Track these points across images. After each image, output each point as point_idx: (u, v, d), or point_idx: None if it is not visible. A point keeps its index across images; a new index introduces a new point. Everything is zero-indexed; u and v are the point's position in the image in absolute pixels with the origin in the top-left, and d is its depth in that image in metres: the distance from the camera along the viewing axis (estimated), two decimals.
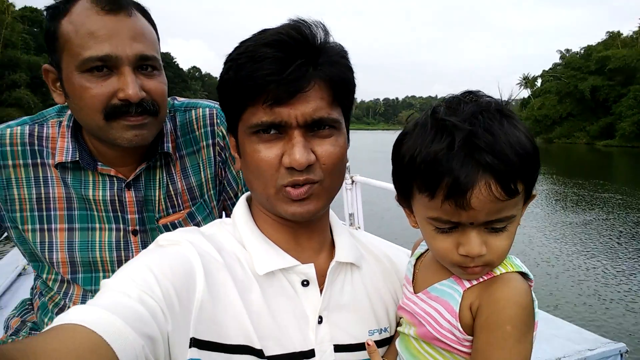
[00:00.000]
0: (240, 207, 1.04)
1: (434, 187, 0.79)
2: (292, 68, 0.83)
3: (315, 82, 0.86)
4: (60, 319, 0.69)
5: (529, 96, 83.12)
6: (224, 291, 0.87)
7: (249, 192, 1.04)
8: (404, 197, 0.90)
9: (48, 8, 1.23)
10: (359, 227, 4.11)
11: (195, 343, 0.81)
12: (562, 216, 15.39)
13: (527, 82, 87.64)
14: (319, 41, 0.89)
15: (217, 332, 0.84)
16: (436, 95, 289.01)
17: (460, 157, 0.77)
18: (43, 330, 0.68)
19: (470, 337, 0.85)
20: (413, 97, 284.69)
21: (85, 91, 1.19)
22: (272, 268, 0.93)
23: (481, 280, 0.86)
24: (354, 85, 0.95)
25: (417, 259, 1.02)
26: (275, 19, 0.94)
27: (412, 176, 0.83)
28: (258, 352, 0.86)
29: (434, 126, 0.81)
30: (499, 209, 0.79)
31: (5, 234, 1.41)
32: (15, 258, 4.23)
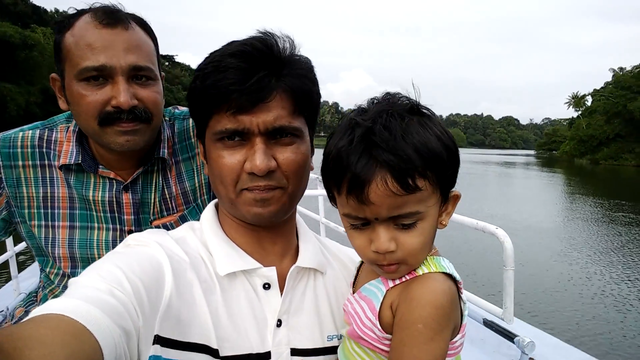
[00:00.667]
0: (208, 211, 1.06)
1: (339, 182, 0.83)
2: (254, 79, 0.86)
3: (277, 92, 0.89)
4: (40, 310, 0.70)
5: (578, 115, 79.26)
6: (189, 291, 0.88)
7: (217, 199, 1.06)
8: (330, 196, 0.91)
9: (56, 23, 1.32)
10: None
11: (158, 340, 0.82)
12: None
13: (576, 101, 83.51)
14: (284, 54, 0.91)
15: (179, 330, 0.85)
16: (482, 114, 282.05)
17: (357, 153, 0.80)
18: (24, 319, 0.69)
19: (389, 336, 0.85)
20: (458, 114, 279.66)
21: (82, 98, 1.26)
22: (233, 269, 0.95)
23: (404, 279, 0.86)
24: (318, 97, 0.98)
25: (362, 262, 1.02)
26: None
27: (327, 174, 0.86)
28: (214, 352, 0.87)
29: (345, 125, 0.85)
30: (400, 204, 0.80)
31: (16, 229, 1.49)
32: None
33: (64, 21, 1.30)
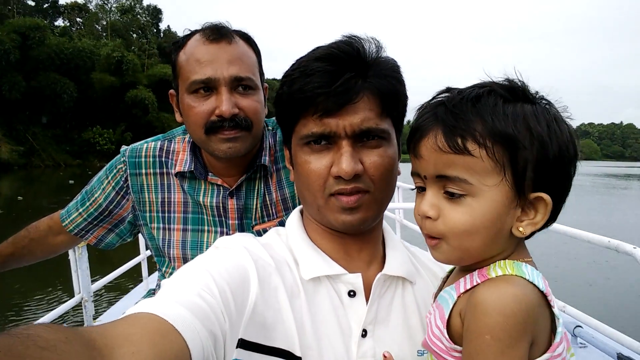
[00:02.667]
0: (293, 217, 1.01)
1: (410, 139, 0.80)
2: (341, 80, 0.81)
3: (364, 93, 0.83)
4: (133, 309, 0.69)
5: None
6: (275, 295, 0.84)
7: (302, 206, 1.01)
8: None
9: (173, 43, 1.39)
10: None
11: (242, 344, 0.78)
12: None
13: None
14: (370, 56, 0.86)
15: (264, 335, 0.81)
16: (621, 122, 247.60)
17: (426, 111, 0.77)
18: (119, 317, 0.69)
19: (459, 347, 0.73)
20: (591, 124, 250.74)
21: (191, 109, 1.31)
22: (318, 274, 0.89)
23: (475, 284, 0.74)
24: (405, 98, 0.91)
25: (450, 272, 0.90)
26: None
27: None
28: (297, 359, 0.82)
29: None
30: (446, 163, 0.73)
31: (140, 231, 1.57)
32: None
33: (179, 41, 1.36)
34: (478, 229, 0.72)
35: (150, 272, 4.14)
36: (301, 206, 1.02)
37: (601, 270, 9.45)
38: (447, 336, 0.74)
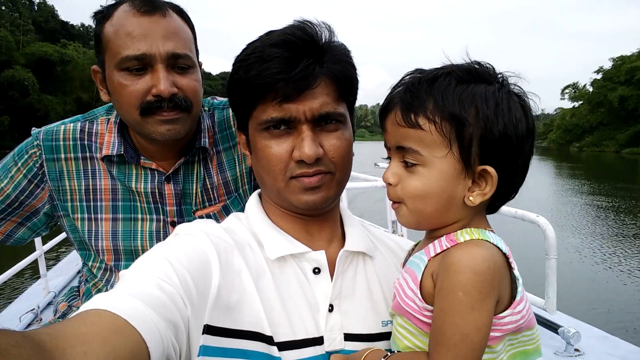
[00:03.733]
0: (252, 201, 0.99)
1: None
2: (300, 67, 0.80)
3: (322, 79, 0.84)
4: (85, 306, 0.66)
5: (578, 105, 77.44)
6: (239, 278, 0.83)
7: (259, 189, 1.00)
8: None
9: (95, 13, 1.22)
10: (402, 235, 3.75)
11: (208, 330, 0.76)
12: None
13: (577, 91, 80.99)
14: (324, 40, 0.86)
15: (231, 319, 0.79)
16: None
17: (391, 92, 0.84)
18: (70, 316, 0.65)
19: (430, 307, 0.77)
20: None
21: (123, 88, 1.16)
22: (283, 253, 0.88)
23: (445, 248, 0.78)
24: (357, 82, 0.91)
25: (416, 244, 0.94)
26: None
27: None
28: (268, 339, 0.81)
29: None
30: (402, 135, 0.79)
31: (59, 223, 1.39)
32: (75, 257, 4.28)
33: (102, 12, 1.19)
34: (429, 194, 0.78)
35: (48, 268, 3.75)
36: (259, 190, 1.01)
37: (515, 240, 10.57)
38: (420, 296, 0.77)
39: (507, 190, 0.81)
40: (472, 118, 0.75)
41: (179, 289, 0.72)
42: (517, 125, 0.76)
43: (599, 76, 67.32)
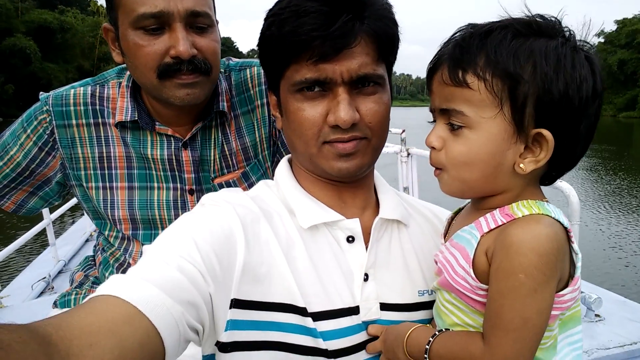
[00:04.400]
0: (282, 167, 0.92)
1: None
2: (338, 23, 0.72)
3: (361, 37, 0.75)
4: (98, 290, 0.64)
5: None
6: (267, 249, 0.78)
7: (289, 155, 0.94)
8: None
9: None
10: None
11: (236, 304, 0.73)
12: None
13: None
14: None
15: (260, 291, 0.76)
16: None
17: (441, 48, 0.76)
18: (85, 297, 0.61)
19: (484, 286, 0.70)
20: None
21: (139, 49, 1.06)
22: (316, 221, 0.83)
23: (500, 223, 0.70)
24: (398, 41, 0.83)
25: (456, 213, 0.87)
26: None
27: None
28: (301, 310, 0.76)
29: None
30: (447, 96, 0.71)
31: (72, 191, 1.32)
32: (83, 225, 4.27)
33: None
34: (474, 160, 0.70)
35: (57, 236, 3.72)
36: (288, 155, 0.95)
37: None
38: (473, 275, 0.71)
39: (565, 159, 0.71)
40: (529, 75, 0.65)
41: (201, 266, 0.69)
42: (580, 85, 0.66)
43: (602, 39, 66.13)
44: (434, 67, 0.74)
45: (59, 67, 50.17)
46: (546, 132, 0.66)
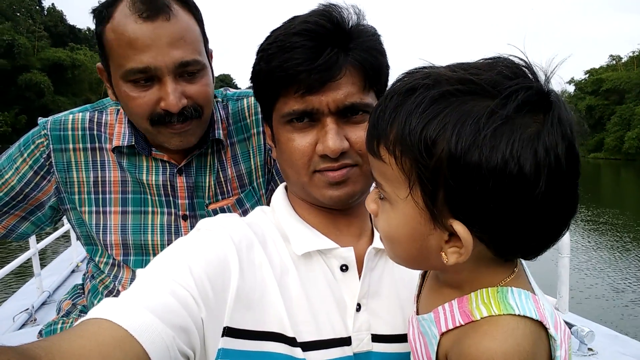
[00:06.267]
0: (279, 194, 0.91)
1: None
2: (323, 57, 0.73)
3: (347, 68, 0.76)
4: (90, 314, 0.62)
5: None
6: (260, 277, 0.76)
7: (285, 182, 0.92)
8: None
9: (93, 11, 1.08)
10: None
11: (229, 332, 0.71)
12: None
13: None
14: (350, 25, 0.78)
15: (253, 319, 0.73)
16: None
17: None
18: (72, 326, 0.60)
19: None
20: None
21: (131, 100, 1.06)
22: (310, 248, 0.81)
23: (457, 324, 0.58)
24: (387, 69, 0.82)
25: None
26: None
27: None
28: (291, 340, 0.73)
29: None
30: (372, 164, 0.63)
31: (65, 216, 1.28)
32: (70, 256, 4.14)
33: (101, 11, 1.05)
34: (395, 238, 0.61)
35: (42, 267, 3.59)
36: (284, 184, 0.94)
37: None
38: None
39: (518, 246, 0.57)
40: (437, 155, 0.52)
41: (194, 291, 0.67)
42: (503, 166, 0.49)
43: (572, 87, 71.72)
44: (367, 131, 0.63)
45: (69, 100, 53.87)
46: (458, 226, 0.53)
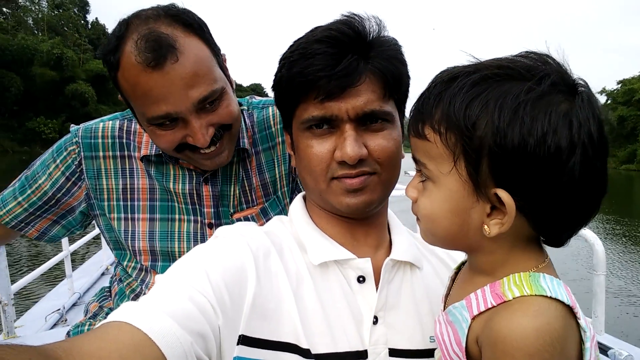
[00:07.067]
0: (297, 203, 0.91)
1: None
2: (343, 63, 0.73)
3: (367, 75, 0.76)
4: (110, 316, 0.63)
5: None
6: (277, 286, 0.75)
7: (304, 192, 0.92)
8: None
9: (104, 55, 1.03)
10: None
11: (244, 340, 0.70)
12: None
13: None
14: (371, 35, 0.78)
15: (268, 329, 0.72)
16: None
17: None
18: (93, 328, 0.61)
19: None
20: None
21: (158, 138, 1.05)
22: (326, 258, 0.80)
23: (490, 306, 0.60)
24: (407, 78, 0.83)
25: (459, 268, 0.77)
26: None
27: None
28: (305, 352, 0.72)
29: None
30: (415, 146, 0.68)
31: (94, 222, 1.30)
32: (100, 259, 4.19)
33: (109, 59, 1.01)
34: (438, 216, 0.64)
35: (74, 269, 3.67)
36: (303, 192, 0.93)
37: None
38: None
39: (555, 219, 0.59)
40: (481, 128, 0.57)
41: (212, 298, 0.67)
42: (543, 137, 0.54)
43: (604, 98, 71.00)
44: (409, 117, 0.69)
45: (110, 108, 57.38)
46: (502, 193, 0.56)
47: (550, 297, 0.56)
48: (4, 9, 73.23)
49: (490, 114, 0.56)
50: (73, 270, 3.55)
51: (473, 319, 0.62)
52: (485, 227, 0.61)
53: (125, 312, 0.62)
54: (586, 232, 1.97)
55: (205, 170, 1.19)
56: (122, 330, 0.60)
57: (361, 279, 0.81)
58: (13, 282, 2.60)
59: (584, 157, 0.55)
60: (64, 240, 3.38)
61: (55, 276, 6.04)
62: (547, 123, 0.55)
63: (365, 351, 0.77)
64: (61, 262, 3.39)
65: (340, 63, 0.74)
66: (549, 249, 0.67)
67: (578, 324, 0.58)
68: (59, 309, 2.87)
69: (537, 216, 0.59)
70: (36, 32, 68.62)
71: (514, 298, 0.58)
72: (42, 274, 3.19)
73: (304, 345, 0.73)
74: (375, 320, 0.79)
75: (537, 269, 0.62)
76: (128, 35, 0.98)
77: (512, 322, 0.56)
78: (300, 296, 0.76)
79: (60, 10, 74.05)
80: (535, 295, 0.57)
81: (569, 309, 0.57)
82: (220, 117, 1.06)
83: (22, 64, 51.41)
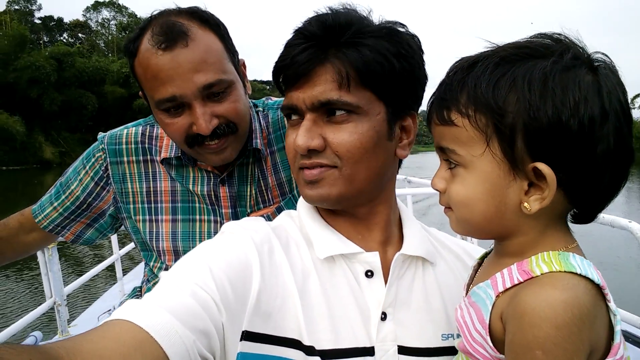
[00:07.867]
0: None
1: None
2: (305, 52, 0.72)
3: (326, 65, 0.72)
4: (114, 314, 0.63)
5: None
6: (282, 281, 0.74)
7: None
8: None
9: (125, 47, 1.12)
10: (473, 242, 3.21)
11: (247, 336, 0.69)
12: None
13: None
14: (348, 26, 0.74)
15: (272, 325, 0.71)
16: None
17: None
18: (95, 326, 0.61)
19: (504, 357, 0.58)
20: None
21: (166, 126, 1.09)
22: (332, 252, 0.78)
23: (516, 282, 0.59)
24: (390, 68, 0.74)
25: (482, 258, 0.75)
26: None
27: None
28: (308, 349, 0.71)
29: None
30: (440, 135, 0.68)
31: (122, 224, 1.35)
32: None
33: (129, 47, 1.08)
34: (473, 200, 0.63)
35: (125, 272, 3.81)
36: None
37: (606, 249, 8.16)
38: (491, 344, 0.60)
39: (589, 191, 0.59)
40: (512, 105, 0.57)
41: (215, 294, 0.66)
42: (576, 107, 0.55)
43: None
44: (429, 107, 0.68)
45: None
46: (542, 166, 0.56)
47: (580, 275, 0.55)
48: (80, 34, 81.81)
49: (519, 90, 0.57)
50: (125, 274, 3.76)
51: (498, 296, 0.60)
52: (525, 204, 0.60)
53: (127, 310, 0.62)
54: (632, 225, 1.83)
55: (221, 172, 1.21)
56: (123, 329, 0.59)
57: (369, 274, 0.78)
58: (65, 284, 2.76)
59: (617, 125, 0.56)
60: (115, 245, 3.59)
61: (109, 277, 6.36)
62: (578, 92, 0.55)
63: (372, 348, 0.74)
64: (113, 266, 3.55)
65: (302, 53, 0.73)
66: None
67: (607, 307, 0.56)
68: (109, 310, 2.98)
69: (575, 188, 0.58)
70: (107, 53, 75.93)
71: (542, 274, 0.57)
72: (98, 276, 3.33)
73: (306, 342, 0.71)
74: (384, 317, 0.76)
75: (567, 249, 0.61)
76: (149, 27, 1.05)
77: (540, 294, 0.54)
78: (305, 291, 0.74)
79: (127, 32, 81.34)
80: (565, 272, 0.55)
81: (599, 290, 0.55)
82: (225, 110, 1.07)
83: (95, 83, 56.09)
